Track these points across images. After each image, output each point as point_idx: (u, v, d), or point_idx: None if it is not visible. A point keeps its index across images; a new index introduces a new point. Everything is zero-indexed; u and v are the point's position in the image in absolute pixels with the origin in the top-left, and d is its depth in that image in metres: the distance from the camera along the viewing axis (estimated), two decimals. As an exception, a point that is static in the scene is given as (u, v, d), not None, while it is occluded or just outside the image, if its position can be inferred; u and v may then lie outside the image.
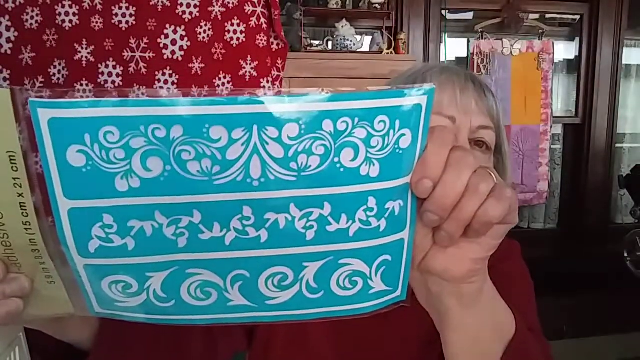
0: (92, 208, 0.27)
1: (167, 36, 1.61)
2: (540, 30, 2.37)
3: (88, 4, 1.56)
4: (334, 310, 0.31)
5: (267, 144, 0.26)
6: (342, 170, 0.27)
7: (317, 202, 0.27)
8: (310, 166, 0.27)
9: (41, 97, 0.25)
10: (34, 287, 0.32)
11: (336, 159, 0.27)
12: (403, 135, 0.28)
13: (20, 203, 0.28)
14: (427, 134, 0.29)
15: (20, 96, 0.26)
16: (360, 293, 0.31)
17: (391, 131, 0.27)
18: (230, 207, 0.27)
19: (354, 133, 0.27)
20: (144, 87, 1.62)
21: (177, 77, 1.63)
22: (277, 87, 1.75)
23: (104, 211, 0.27)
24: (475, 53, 2.28)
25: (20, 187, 0.27)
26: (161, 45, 1.61)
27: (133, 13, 1.59)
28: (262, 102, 0.25)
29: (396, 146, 0.28)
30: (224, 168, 0.26)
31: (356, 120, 0.26)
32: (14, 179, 0.27)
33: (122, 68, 1.60)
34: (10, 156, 0.27)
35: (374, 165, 0.28)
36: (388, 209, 0.29)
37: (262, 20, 1.69)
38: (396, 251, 0.31)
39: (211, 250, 0.28)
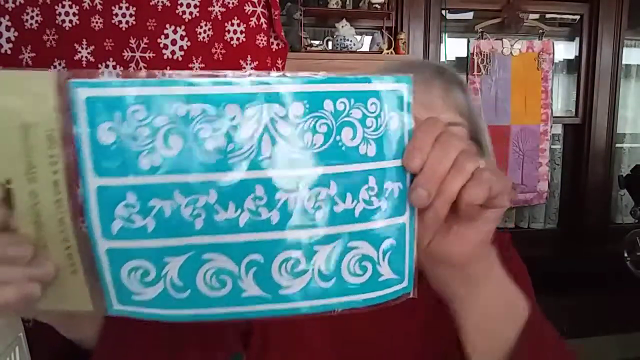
0: (118, 186, 0.28)
1: (167, 36, 1.61)
2: (540, 30, 2.37)
3: (88, 4, 1.56)
4: (347, 300, 0.31)
5: (276, 122, 0.28)
6: (343, 148, 0.30)
7: (324, 181, 0.30)
8: (315, 144, 0.29)
9: (80, 77, 0.28)
10: (57, 276, 0.31)
11: (338, 137, 0.29)
12: (392, 118, 0.31)
13: (54, 181, 0.29)
14: (412, 120, 0.32)
15: (60, 77, 0.28)
16: (371, 280, 0.32)
17: (382, 113, 0.31)
18: (244, 186, 0.28)
19: (351, 113, 0.30)
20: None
21: (177, 77, 1.63)
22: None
23: (127, 189, 0.28)
24: (475, 53, 2.28)
25: (56, 164, 0.28)
26: (161, 45, 1.61)
27: (133, 13, 1.59)
28: (271, 83, 0.28)
29: (387, 128, 0.31)
30: (238, 146, 0.28)
31: (352, 101, 0.30)
32: (51, 156, 0.28)
33: (122, 68, 1.59)
34: (47, 135, 0.28)
35: (370, 144, 0.30)
36: (387, 189, 0.31)
37: (262, 20, 1.68)
38: (399, 236, 0.32)
39: (226, 232, 0.29)
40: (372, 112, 0.30)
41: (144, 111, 0.27)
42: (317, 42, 2.06)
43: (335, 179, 0.30)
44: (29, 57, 1.54)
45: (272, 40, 1.73)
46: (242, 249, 0.30)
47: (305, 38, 1.95)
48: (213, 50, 1.65)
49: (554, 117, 2.41)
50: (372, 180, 0.31)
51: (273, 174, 0.29)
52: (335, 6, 2.01)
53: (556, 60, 2.43)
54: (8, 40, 1.51)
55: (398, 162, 0.31)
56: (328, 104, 0.29)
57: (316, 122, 0.29)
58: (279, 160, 0.29)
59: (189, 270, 0.30)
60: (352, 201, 0.30)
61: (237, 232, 0.29)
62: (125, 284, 0.30)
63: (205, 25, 1.64)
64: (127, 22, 1.60)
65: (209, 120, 0.27)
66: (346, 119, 0.29)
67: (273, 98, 0.28)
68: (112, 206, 0.28)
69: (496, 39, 2.30)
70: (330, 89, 0.29)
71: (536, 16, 2.47)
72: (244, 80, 0.28)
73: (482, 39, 2.29)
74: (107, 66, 1.58)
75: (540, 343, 0.41)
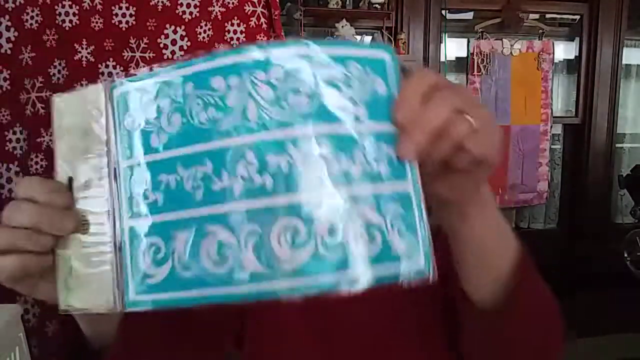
0: (136, 165, 0.33)
1: (167, 36, 1.61)
2: (540, 30, 2.37)
3: (88, 4, 1.56)
4: (358, 279, 0.28)
5: (258, 86, 0.29)
6: (330, 109, 0.29)
7: (314, 142, 0.29)
8: (299, 105, 0.29)
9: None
10: (85, 269, 0.35)
11: (322, 99, 0.29)
12: (377, 82, 0.31)
13: (100, 176, 0.35)
14: (400, 86, 0.31)
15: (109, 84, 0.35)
16: (383, 253, 0.28)
17: (365, 76, 0.30)
18: (234, 152, 0.29)
19: (332, 75, 0.29)
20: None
21: (177, 77, 1.63)
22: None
23: (143, 167, 0.32)
24: (475, 53, 2.28)
25: (102, 157, 0.34)
26: (161, 45, 1.61)
27: (133, 13, 1.59)
28: (250, 52, 0.29)
29: (374, 90, 0.30)
30: (226, 114, 0.30)
31: (331, 64, 0.29)
32: (99, 150, 0.35)
33: (122, 68, 1.59)
34: (98, 132, 0.35)
35: (358, 105, 0.30)
36: (384, 152, 0.30)
37: (262, 20, 1.68)
38: (406, 206, 0.30)
39: (223, 202, 0.30)
40: (355, 75, 0.30)
41: (152, 97, 0.32)
42: (317, 42, 2.06)
43: (326, 140, 0.29)
44: (29, 57, 1.54)
45: (272, 40, 1.73)
46: (239, 218, 0.29)
47: (305, 38, 1.95)
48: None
49: (554, 117, 2.41)
50: (367, 143, 0.29)
51: (261, 137, 0.29)
52: (335, 6, 2.01)
53: (556, 60, 2.44)
54: (8, 40, 1.51)
55: (390, 126, 0.31)
56: (306, 68, 0.29)
57: (297, 84, 0.29)
58: (266, 123, 0.29)
59: (193, 244, 0.30)
60: (348, 163, 0.29)
61: (232, 201, 0.29)
62: (141, 266, 0.32)
63: (205, 25, 1.64)
64: (127, 22, 1.60)
65: (200, 95, 0.30)
66: (327, 79, 0.29)
67: (252, 65, 0.29)
68: (133, 184, 0.33)
69: (496, 39, 2.31)
70: (308, 53, 0.29)
71: (536, 16, 2.47)
72: (224, 53, 0.30)
73: (482, 39, 2.29)
74: (107, 66, 1.58)
75: (533, 275, 0.45)
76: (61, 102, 0.37)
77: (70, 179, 0.36)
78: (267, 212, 0.29)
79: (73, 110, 0.36)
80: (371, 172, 0.29)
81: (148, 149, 0.32)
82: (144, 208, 0.32)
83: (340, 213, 0.28)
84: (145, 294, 0.32)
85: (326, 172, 0.28)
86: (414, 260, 0.30)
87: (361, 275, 0.28)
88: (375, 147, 0.30)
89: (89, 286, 0.35)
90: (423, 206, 0.31)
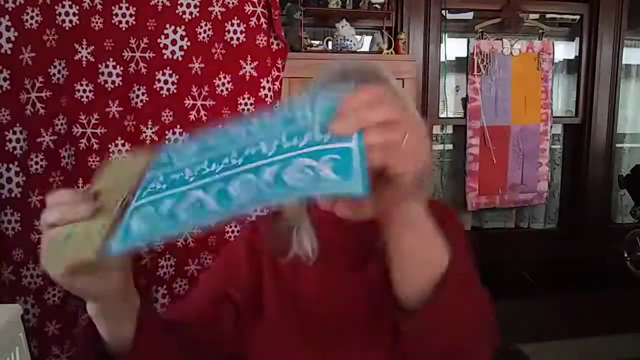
0: (156, 174, 0.46)
1: (167, 36, 1.61)
2: (540, 30, 2.37)
3: (88, 4, 1.56)
4: (290, 194, 0.37)
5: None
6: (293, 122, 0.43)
7: (277, 136, 0.42)
8: (273, 127, 0.44)
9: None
10: (81, 235, 0.42)
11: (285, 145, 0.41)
12: (336, 99, 0.40)
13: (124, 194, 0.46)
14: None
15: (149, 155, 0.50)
16: (313, 181, 0.37)
17: (327, 99, 0.41)
18: (225, 153, 0.44)
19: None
20: (144, 87, 1.62)
21: (177, 77, 1.63)
22: (277, 87, 1.75)
23: (160, 173, 0.46)
24: (475, 53, 2.28)
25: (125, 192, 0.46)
26: (161, 45, 1.61)
27: (133, 13, 1.59)
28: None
29: (331, 103, 0.41)
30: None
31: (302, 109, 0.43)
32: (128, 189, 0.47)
33: (122, 68, 1.59)
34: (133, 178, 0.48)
35: (315, 114, 0.41)
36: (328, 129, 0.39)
37: (262, 20, 1.69)
38: (344, 154, 0.37)
39: (206, 178, 0.42)
40: (319, 104, 0.42)
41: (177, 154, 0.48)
42: (317, 42, 2.06)
43: (285, 135, 0.41)
44: (29, 57, 1.54)
45: (272, 40, 1.73)
46: (215, 184, 0.41)
47: (305, 38, 1.95)
48: (213, 50, 1.65)
49: (554, 117, 2.41)
50: (316, 128, 0.40)
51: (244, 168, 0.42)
52: (335, 6, 2.01)
53: (556, 60, 2.43)
54: (8, 40, 1.51)
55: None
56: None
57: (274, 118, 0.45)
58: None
59: (176, 205, 0.41)
60: (298, 141, 0.40)
61: (212, 176, 0.42)
62: (130, 225, 0.41)
63: (205, 25, 1.64)
64: (127, 22, 1.60)
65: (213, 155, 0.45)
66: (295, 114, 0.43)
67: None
68: (149, 182, 0.45)
69: (496, 39, 2.31)
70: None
71: (536, 16, 2.47)
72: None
73: (482, 39, 2.29)
74: (107, 66, 1.58)
75: (462, 283, 0.48)
76: (116, 162, 0.50)
77: (96, 193, 0.45)
78: (233, 175, 0.41)
79: (119, 170, 0.49)
80: (314, 141, 0.39)
81: (170, 167, 0.47)
82: (149, 193, 0.44)
83: (283, 165, 0.38)
84: (127, 241, 0.40)
85: (280, 148, 0.40)
86: (346, 181, 0.36)
87: (292, 193, 0.37)
88: (323, 129, 0.40)
89: (80, 243, 0.41)
90: (365, 157, 0.37)
